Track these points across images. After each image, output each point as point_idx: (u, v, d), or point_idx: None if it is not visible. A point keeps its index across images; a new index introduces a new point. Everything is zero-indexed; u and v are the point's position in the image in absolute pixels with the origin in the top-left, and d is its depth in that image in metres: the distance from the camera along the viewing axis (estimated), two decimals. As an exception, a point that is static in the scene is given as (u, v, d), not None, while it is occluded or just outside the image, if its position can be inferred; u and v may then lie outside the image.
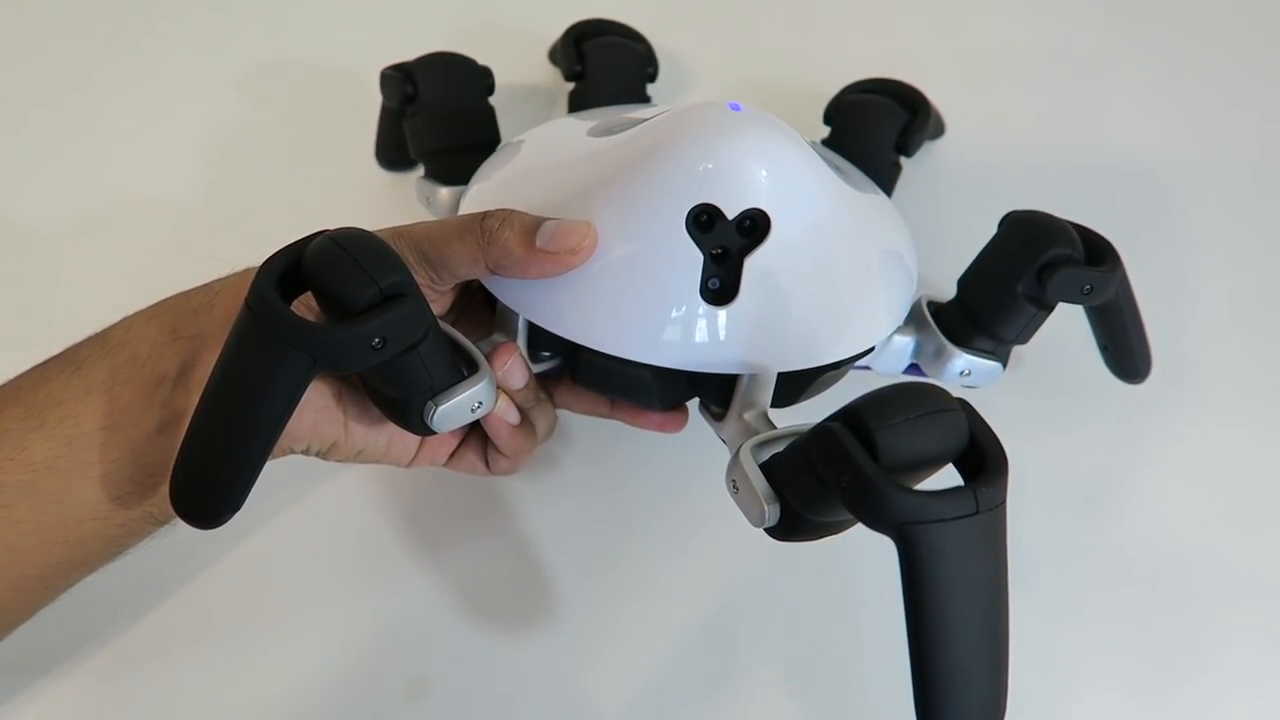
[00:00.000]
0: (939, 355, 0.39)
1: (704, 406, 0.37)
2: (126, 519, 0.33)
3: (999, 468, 0.27)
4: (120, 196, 0.52)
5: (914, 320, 0.40)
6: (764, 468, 0.31)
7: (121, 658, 0.40)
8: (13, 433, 0.31)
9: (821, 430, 0.28)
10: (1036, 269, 0.37)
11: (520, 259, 0.32)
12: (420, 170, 0.46)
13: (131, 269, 0.49)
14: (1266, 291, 0.51)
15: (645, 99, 0.50)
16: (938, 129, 0.54)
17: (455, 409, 0.32)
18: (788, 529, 0.31)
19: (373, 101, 0.49)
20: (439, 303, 0.36)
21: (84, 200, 0.52)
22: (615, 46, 0.49)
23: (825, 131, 0.48)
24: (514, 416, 0.36)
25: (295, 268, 0.29)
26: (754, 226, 0.34)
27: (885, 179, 0.47)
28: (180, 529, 0.32)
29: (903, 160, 0.48)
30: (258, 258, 0.30)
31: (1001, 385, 0.43)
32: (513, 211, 0.33)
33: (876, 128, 0.47)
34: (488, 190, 0.40)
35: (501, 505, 0.44)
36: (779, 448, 0.32)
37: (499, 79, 0.48)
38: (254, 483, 0.29)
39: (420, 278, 0.33)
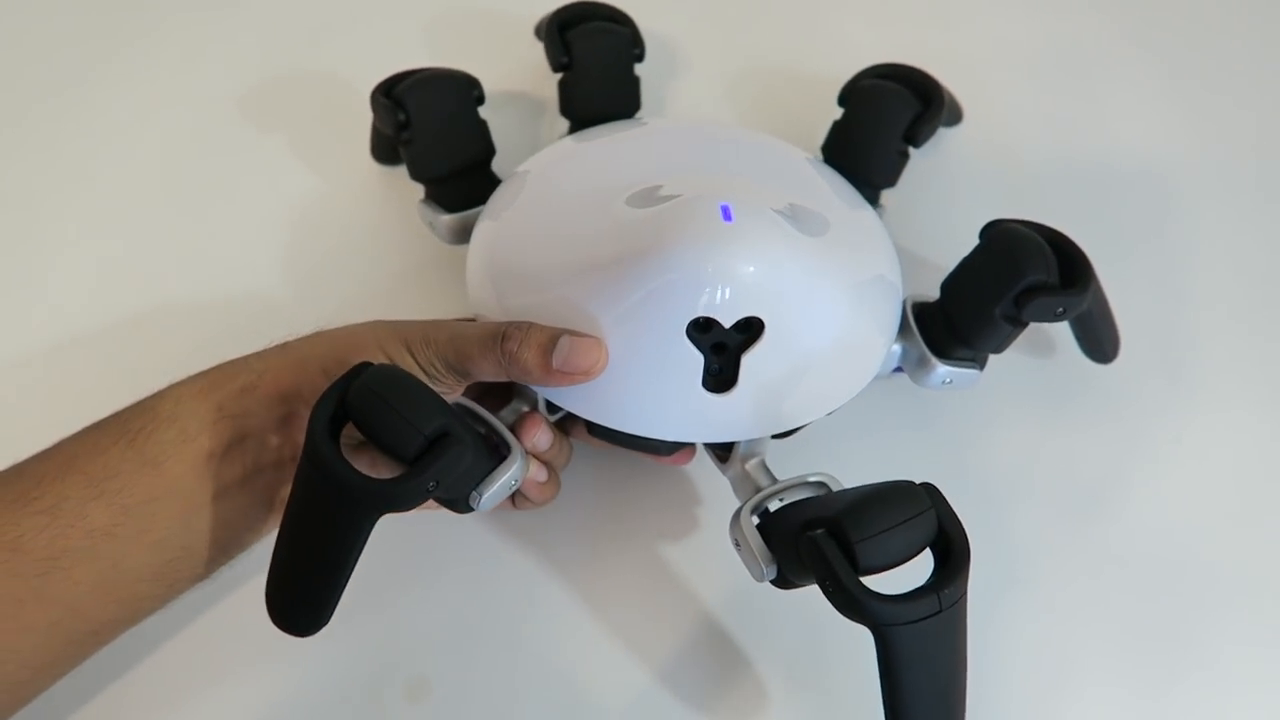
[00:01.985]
0: (922, 364, 0.43)
1: (709, 449, 0.41)
2: (176, 579, 0.36)
3: (962, 562, 0.31)
4: (117, 194, 0.53)
5: (900, 326, 0.43)
6: (761, 529, 0.36)
7: (122, 659, 0.41)
8: (73, 500, 0.34)
9: (808, 540, 0.32)
10: (1013, 295, 0.39)
11: (539, 379, 0.35)
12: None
13: (130, 266, 0.51)
14: (1266, 291, 0.52)
15: (634, 81, 0.50)
16: (954, 115, 0.53)
17: (496, 493, 0.36)
18: (785, 584, 0.36)
19: (358, 97, 0.48)
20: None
21: (83, 200, 0.53)
22: (599, 33, 0.49)
23: (831, 118, 0.48)
24: (543, 475, 0.40)
25: (340, 407, 0.33)
26: (749, 324, 0.36)
27: (891, 167, 0.48)
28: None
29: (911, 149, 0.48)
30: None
31: (1002, 385, 0.45)
32: (530, 329, 0.36)
33: (888, 115, 0.47)
34: (496, 245, 0.42)
35: (502, 507, 0.44)
36: (782, 500, 0.37)
37: (486, 64, 0.48)
38: (339, 600, 0.34)
39: (448, 380, 0.37)
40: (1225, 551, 0.44)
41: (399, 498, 0.32)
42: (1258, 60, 0.60)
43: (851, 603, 0.31)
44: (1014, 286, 0.39)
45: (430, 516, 0.42)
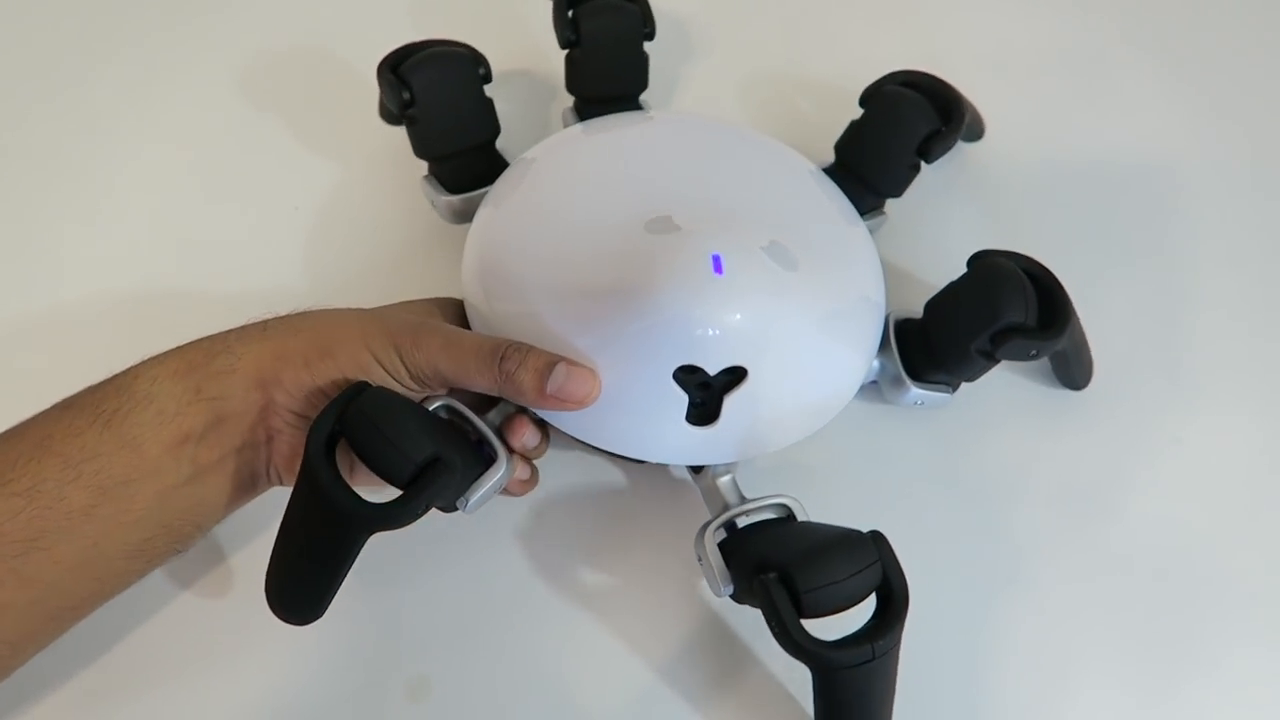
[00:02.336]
0: (896, 384, 0.44)
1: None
2: (154, 555, 0.36)
3: (899, 614, 0.34)
4: (113, 179, 0.53)
5: (881, 343, 0.44)
6: (724, 545, 0.39)
7: (125, 657, 0.41)
8: (51, 482, 0.33)
9: (760, 581, 0.35)
10: (989, 334, 0.40)
11: (532, 401, 0.37)
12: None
13: (130, 248, 0.51)
14: (1266, 291, 0.51)
15: (642, 59, 0.49)
16: (974, 131, 0.53)
17: (483, 496, 0.38)
18: (741, 601, 0.39)
19: (357, 71, 0.49)
20: None
21: (86, 189, 0.53)
22: (608, 10, 0.48)
23: (838, 112, 0.48)
24: (526, 473, 0.41)
25: (336, 425, 0.35)
26: (732, 369, 0.37)
27: (900, 179, 0.47)
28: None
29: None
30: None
31: (1003, 386, 0.46)
32: (529, 352, 0.37)
33: (905, 127, 0.46)
34: (493, 240, 0.43)
35: (502, 503, 0.44)
36: (749, 518, 0.40)
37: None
38: (335, 593, 0.36)
39: (435, 385, 0.38)
40: (1225, 552, 0.45)
41: (391, 521, 0.34)
42: (1259, 61, 0.59)
43: (793, 646, 0.33)
44: (990, 326, 0.40)
45: (431, 518, 0.43)
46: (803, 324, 0.40)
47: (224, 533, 0.35)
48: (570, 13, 0.48)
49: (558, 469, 0.45)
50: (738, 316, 0.36)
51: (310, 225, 0.52)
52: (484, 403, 0.42)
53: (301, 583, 0.37)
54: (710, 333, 0.36)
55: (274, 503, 0.42)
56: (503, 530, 0.44)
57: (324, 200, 0.52)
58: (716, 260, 0.36)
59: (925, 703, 0.40)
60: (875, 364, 0.45)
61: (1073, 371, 0.46)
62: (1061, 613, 0.43)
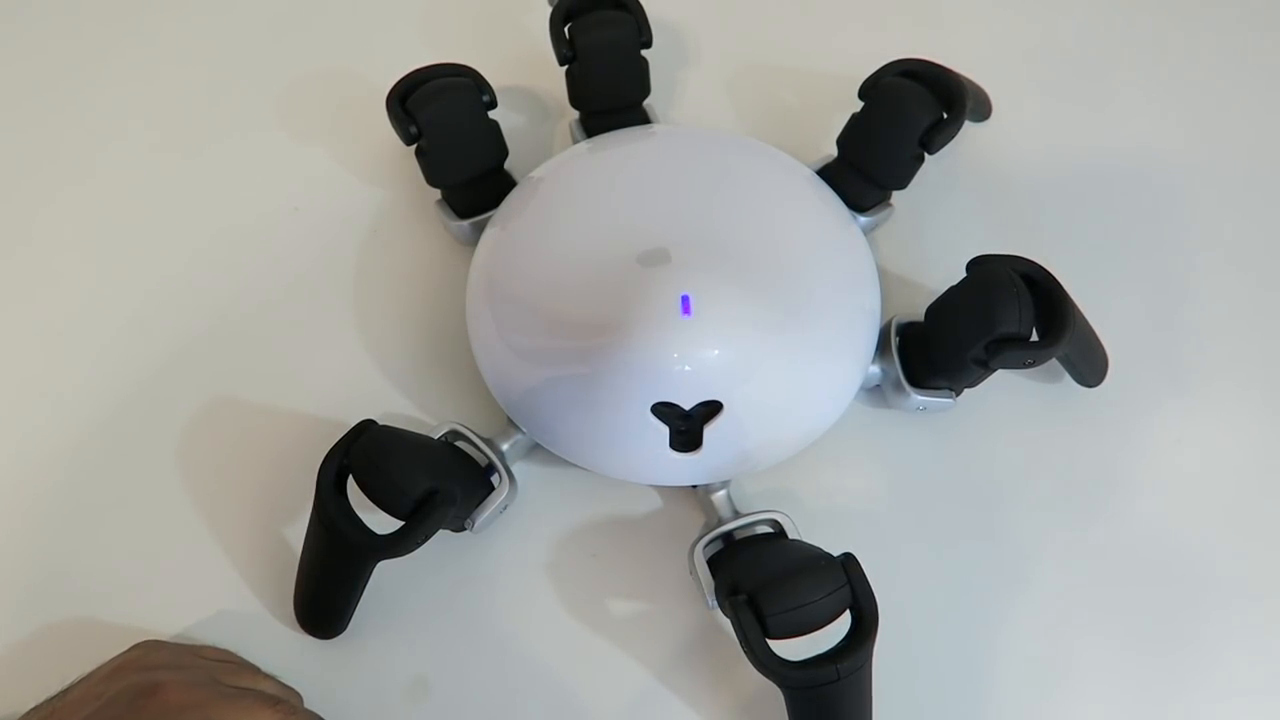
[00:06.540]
0: (898, 390, 0.45)
1: None
2: None
3: (866, 637, 0.35)
4: (113, 190, 0.53)
5: (882, 346, 0.44)
6: (716, 559, 0.41)
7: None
8: None
9: (729, 604, 0.36)
10: (984, 344, 0.40)
11: None
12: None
13: (128, 264, 0.50)
14: (1268, 291, 0.50)
15: (642, 67, 0.49)
16: (981, 111, 0.51)
17: (488, 518, 0.42)
18: (726, 614, 0.41)
19: (362, 84, 0.50)
20: None
21: (86, 191, 0.53)
22: (602, 24, 0.48)
23: (840, 109, 0.47)
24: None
25: (345, 460, 0.39)
26: (709, 402, 0.39)
27: (903, 171, 0.47)
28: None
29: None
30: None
31: (1004, 385, 0.46)
32: None
33: (906, 118, 0.45)
34: (497, 260, 0.44)
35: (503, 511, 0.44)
36: (741, 534, 0.41)
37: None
38: (354, 610, 0.41)
39: None
40: (1226, 552, 0.45)
41: (392, 551, 0.38)
42: (1260, 60, 0.57)
43: (759, 665, 0.35)
44: (985, 335, 0.40)
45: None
46: (784, 350, 0.40)
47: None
48: (566, 30, 0.48)
49: (558, 473, 0.45)
50: (708, 355, 0.37)
51: (311, 226, 0.52)
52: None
53: (323, 603, 0.41)
54: (682, 370, 0.37)
55: (294, 534, 0.44)
56: (502, 534, 0.45)
57: (325, 201, 0.52)
58: (685, 301, 0.37)
59: (926, 703, 0.42)
60: (876, 370, 0.45)
61: (1081, 371, 0.45)
62: (1062, 612, 0.44)
